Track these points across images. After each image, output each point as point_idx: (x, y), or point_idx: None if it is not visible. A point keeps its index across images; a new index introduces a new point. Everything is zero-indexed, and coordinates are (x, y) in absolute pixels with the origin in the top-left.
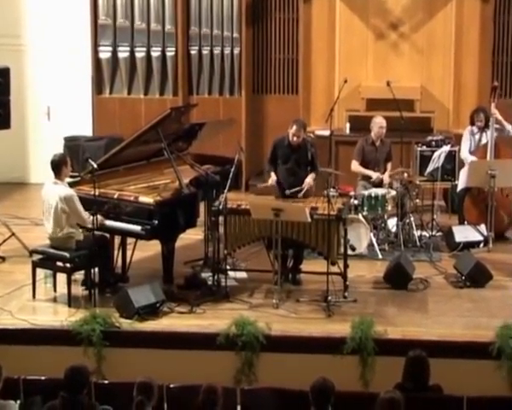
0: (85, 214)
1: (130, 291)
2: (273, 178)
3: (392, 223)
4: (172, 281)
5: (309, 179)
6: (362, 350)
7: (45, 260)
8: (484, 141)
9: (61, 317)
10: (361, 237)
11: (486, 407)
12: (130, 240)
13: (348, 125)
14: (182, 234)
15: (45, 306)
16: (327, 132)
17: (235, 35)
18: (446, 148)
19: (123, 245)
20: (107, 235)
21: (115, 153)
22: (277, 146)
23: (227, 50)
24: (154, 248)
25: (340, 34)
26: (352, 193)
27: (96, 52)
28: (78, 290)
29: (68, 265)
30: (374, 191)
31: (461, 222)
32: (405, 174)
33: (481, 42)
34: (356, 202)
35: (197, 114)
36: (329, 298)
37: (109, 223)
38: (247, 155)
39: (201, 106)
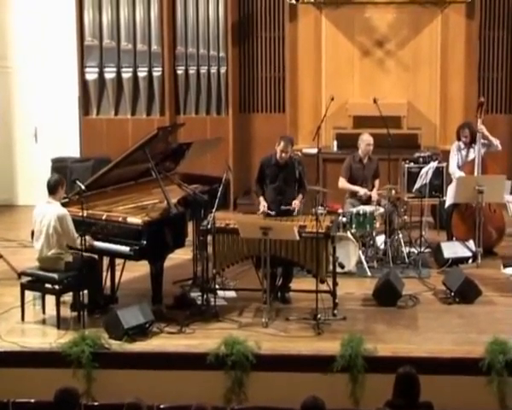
0: (76, 235)
1: (120, 312)
2: (264, 204)
3: (380, 240)
4: (161, 301)
5: (297, 201)
6: (352, 368)
7: (34, 282)
8: (471, 156)
9: (50, 339)
10: (350, 254)
11: None
12: (118, 261)
13: (335, 142)
14: (170, 254)
15: (34, 328)
16: (314, 150)
17: (222, 54)
18: (434, 164)
19: (111, 266)
20: (96, 256)
21: (103, 174)
22: (265, 165)
23: (213, 70)
24: (142, 268)
25: (326, 52)
26: (340, 211)
27: (82, 73)
28: (67, 312)
29: (57, 286)
30: (362, 209)
31: (449, 238)
32: (393, 191)
33: (467, 58)
34: (344, 219)
35: (184, 133)
36: (319, 316)
37: (98, 244)
38: (234, 173)
39: (189, 125)
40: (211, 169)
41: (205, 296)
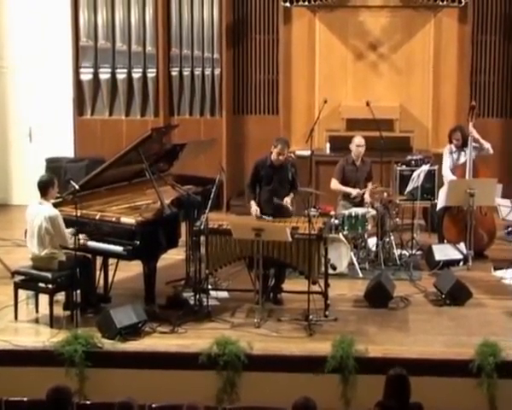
0: (68, 235)
1: (112, 311)
2: (255, 208)
3: (372, 242)
4: (154, 301)
5: (287, 198)
6: (343, 369)
7: (27, 281)
8: (462, 160)
9: (43, 338)
10: (342, 256)
11: None
12: (111, 260)
13: (328, 145)
14: (163, 254)
15: (27, 327)
16: (307, 152)
17: (216, 56)
18: (426, 167)
19: (105, 265)
20: (89, 255)
21: (97, 174)
22: (260, 167)
23: (208, 71)
24: (135, 268)
25: (320, 55)
26: (332, 213)
27: (77, 74)
28: (60, 311)
29: (50, 286)
30: (354, 211)
31: (440, 241)
32: (385, 194)
33: (459, 62)
34: (336, 221)
35: (178, 134)
36: (310, 317)
37: (91, 244)
38: (227, 175)
39: (182, 127)
40: (204, 170)
41: (197, 297)
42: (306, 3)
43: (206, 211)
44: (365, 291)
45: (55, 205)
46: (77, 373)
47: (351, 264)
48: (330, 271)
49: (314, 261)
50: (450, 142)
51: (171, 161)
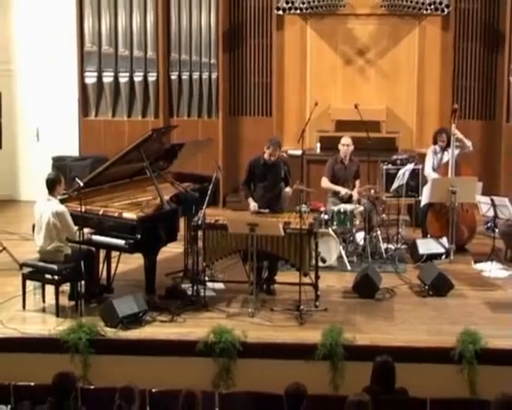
0: (75, 229)
1: (115, 302)
2: (253, 204)
3: (360, 236)
4: (154, 292)
5: (288, 189)
6: (332, 356)
7: (34, 273)
8: (445, 159)
9: (49, 326)
10: (331, 249)
11: (448, 408)
12: (114, 253)
13: (319, 144)
14: (163, 247)
15: (34, 316)
16: (299, 152)
17: (213, 61)
18: (410, 166)
19: (108, 258)
20: (93, 249)
21: (100, 172)
22: (253, 166)
23: (205, 75)
24: (137, 260)
25: (311, 60)
26: (322, 209)
27: (82, 77)
28: (66, 301)
29: (56, 277)
30: (343, 207)
31: (424, 235)
32: (372, 191)
33: (442, 67)
34: (326, 217)
35: (177, 134)
36: (301, 307)
37: (95, 237)
38: (224, 173)
39: (181, 127)
40: (202, 168)
41: (195, 288)
42: (298, 11)
43: (204, 207)
44: (353, 283)
45: (62, 201)
46: (81, 360)
47: (340, 257)
48: (320, 264)
49: (305, 255)
50: (435, 143)
51: (171, 160)
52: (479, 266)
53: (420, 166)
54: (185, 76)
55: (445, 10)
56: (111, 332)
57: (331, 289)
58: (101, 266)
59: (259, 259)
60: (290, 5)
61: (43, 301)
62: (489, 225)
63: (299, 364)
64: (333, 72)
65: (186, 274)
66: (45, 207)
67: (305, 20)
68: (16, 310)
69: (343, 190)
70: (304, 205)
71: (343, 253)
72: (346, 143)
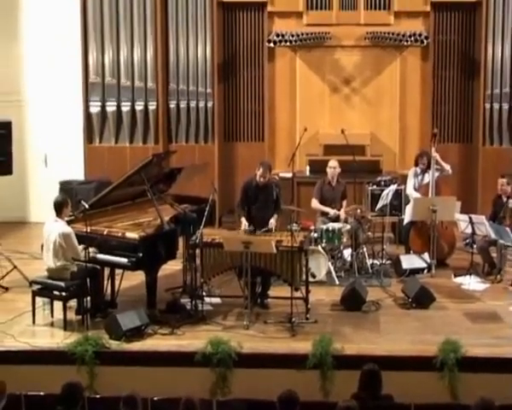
0: (79, 249)
1: (118, 316)
2: (245, 223)
3: (347, 253)
4: (155, 306)
5: (273, 220)
6: (322, 365)
7: (43, 290)
8: (426, 180)
9: (57, 339)
10: (320, 265)
11: None
12: (118, 271)
13: (308, 167)
14: (163, 265)
15: (43, 330)
16: (289, 174)
17: (209, 90)
18: (393, 187)
19: (112, 275)
20: (98, 266)
21: (104, 194)
22: (247, 188)
23: (201, 104)
24: (139, 277)
25: (300, 89)
26: (312, 227)
27: (87, 106)
28: (73, 316)
29: (64, 293)
30: (331, 226)
31: (407, 251)
32: (358, 210)
33: (422, 94)
34: (316, 235)
35: (176, 159)
36: (293, 319)
37: (99, 256)
38: (219, 195)
39: (180, 152)
40: (199, 191)
41: (193, 302)
42: (288, 44)
43: (201, 227)
44: (341, 296)
45: (68, 222)
46: (87, 371)
47: (328, 272)
48: (310, 279)
49: (296, 270)
50: (416, 165)
51: (170, 183)
52: (458, 279)
53: (402, 187)
54: (183, 104)
55: (425, 42)
56: (115, 344)
57: (321, 303)
58: (105, 282)
59: (253, 275)
60: (280, 38)
61: (52, 316)
62: (467, 241)
63: (291, 373)
64: (321, 99)
65: (185, 290)
66: (53, 228)
67: (294, 52)
68: (27, 325)
69: (331, 211)
70: (295, 224)
71: (332, 268)
72: (333, 166)
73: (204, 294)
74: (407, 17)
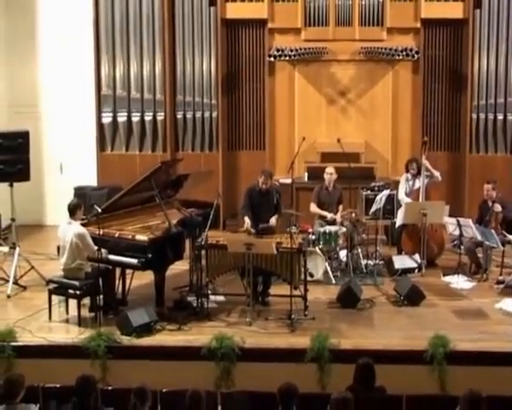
0: (94, 248)
1: (129, 313)
2: (248, 221)
3: (343, 254)
4: (163, 304)
5: (273, 219)
6: (319, 359)
7: (59, 289)
8: (417, 186)
9: (72, 335)
10: (318, 266)
11: (421, 404)
12: (128, 271)
13: (306, 174)
14: (171, 265)
15: (59, 326)
16: (289, 180)
17: (213, 102)
18: (386, 192)
19: (123, 275)
20: (110, 267)
21: (116, 199)
22: (251, 193)
23: (206, 114)
24: (148, 277)
25: (299, 100)
26: (310, 230)
27: (99, 117)
28: (87, 313)
29: (78, 292)
30: (328, 228)
31: (399, 252)
32: (353, 214)
33: (413, 105)
34: (313, 237)
35: (183, 166)
36: (292, 316)
37: (111, 257)
38: (223, 199)
39: (186, 160)
40: (204, 196)
41: (199, 300)
42: (287, 58)
43: (206, 229)
44: (337, 295)
45: (82, 225)
46: (100, 364)
47: (325, 272)
48: (308, 278)
49: (295, 270)
50: (407, 171)
51: (177, 189)
52: (447, 278)
53: (395, 192)
54: (189, 115)
55: (415, 56)
56: (126, 340)
57: (318, 301)
58: (117, 282)
59: (255, 274)
60: (280, 53)
61: (67, 313)
62: (455, 242)
63: (290, 366)
64: (318, 110)
65: (191, 288)
66: (68, 230)
67: (293, 66)
68: (43, 321)
69: (329, 215)
70: (294, 227)
71: (328, 268)
72: (330, 172)
73: (209, 292)
74: (399, 33)
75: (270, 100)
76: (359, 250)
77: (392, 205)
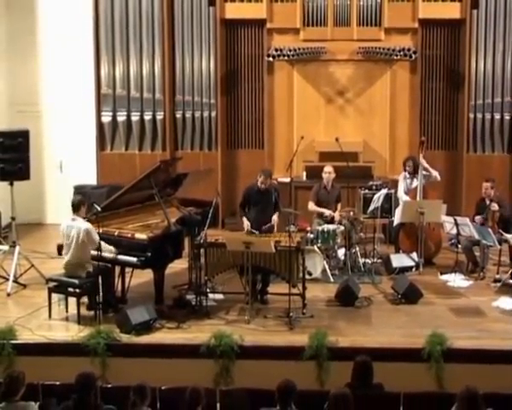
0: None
1: (129, 311)
2: (247, 223)
3: (341, 252)
4: (163, 302)
5: (275, 217)
6: (318, 356)
7: (59, 287)
8: (414, 184)
9: (71, 333)
10: (316, 264)
11: (419, 401)
12: (128, 269)
13: (305, 173)
14: (170, 264)
15: (59, 324)
16: (287, 179)
17: (212, 101)
18: (384, 191)
19: (122, 273)
20: (110, 265)
21: (115, 198)
22: (249, 192)
23: (206, 114)
24: (147, 275)
25: (298, 100)
26: (308, 229)
27: (99, 116)
28: (86, 311)
29: (77, 290)
30: (326, 227)
31: (397, 251)
32: (352, 213)
33: (411, 105)
34: (312, 235)
35: (182, 165)
36: (291, 314)
37: (108, 255)
38: (222, 198)
39: (185, 159)
40: (203, 195)
41: (198, 298)
42: (286, 58)
43: (205, 228)
44: (336, 293)
45: None
46: (100, 362)
47: (324, 271)
48: (307, 276)
49: (294, 269)
50: (405, 169)
51: (176, 187)
52: (444, 277)
53: (392, 191)
54: (188, 114)
55: (413, 56)
56: (125, 338)
57: (316, 299)
58: (116, 280)
59: (254, 273)
60: (279, 53)
61: (67, 311)
62: (453, 241)
63: (289, 363)
64: (316, 110)
65: (190, 287)
66: (73, 226)
67: (291, 66)
68: (43, 319)
69: (327, 212)
70: (292, 225)
71: (327, 267)
72: (328, 171)
73: (208, 290)
74: (397, 33)
75: (269, 99)
76: (357, 249)
77: (389, 204)
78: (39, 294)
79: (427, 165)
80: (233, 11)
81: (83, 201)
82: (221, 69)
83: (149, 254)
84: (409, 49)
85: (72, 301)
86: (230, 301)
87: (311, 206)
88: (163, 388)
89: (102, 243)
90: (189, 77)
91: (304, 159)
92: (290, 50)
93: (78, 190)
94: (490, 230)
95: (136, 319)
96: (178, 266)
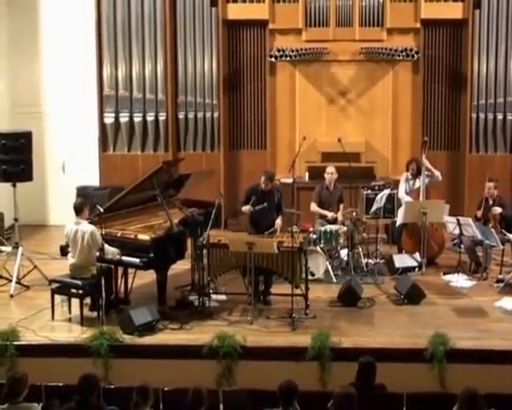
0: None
1: (131, 312)
2: (248, 207)
3: (344, 253)
4: (165, 303)
5: (278, 220)
6: (320, 357)
7: (62, 288)
8: (417, 185)
9: (74, 334)
10: (319, 264)
11: (422, 402)
12: (130, 270)
13: (307, 174)
14: (173, 264)
15: (62, 325)
16: (290, 180)
17: (215, 102)
18: (387, 191)
19: (125, 274)
20: (112, 266)
21: (118, 199)
22: (252, 191)
23: (208, 114)
24: (150, 276)
25: (300, 100)
26: (311, 229)
27: (101, 117)
28: (89, 312)
29: (80, 291)
30: (329, 227)
31: (399, 251)
32: (354, 213)
33: (413, 105)
34: (314, 236)
35: (184, 166)
36: (293, 315)
37: (111, 256)
38: (225, 199)
39: (188, 160)
40: (206, 195)
41: (201, 299)
42: (288, 59)
43: (208, 229)
44: (338, 293)
45: None
46: (102, 363)
47: (326, 271)
48: (310, 277)
49: (296, 269)
50: (407, 170)
51: (179, 188)
52: (447, 277)
53: (395, 192)
54: (191, 115)
55: (415, 56)
56: (128, 339)
57: (319, 299)
58: (119, 281)
59: (256, 273)
60: (281, 53)
61: (70, 312)
62: (455, 241)
63: (291, 364)
64: (318, 110)
65: (193, 287)
66: (78, 229)
67: (294, 66)
68: (46, 320)
69: (329, 214)
70: (295, 226)
71: (329, 267)
72: (330, 172)
73: (211, 291)
74: (399, 33)
75: (271, 100)
76: (360, 249)
77: (392, 204)
78: (42, 295)
79: (429, 165)
80: (235, 12)
81: (85, 202)
82: (223, 70)
83: (152, 254)
84: (411, 50)
85: (75, 302)
86: (233, 301)
87: (314, 207)
88: (166, 389)
89: (106, 246)
90: (191, 78)
91: (306, 159)
92: (292, 51)
93: (81, 191)
94: (493, 230)
95: (139, 320)
96: (181, 266)
